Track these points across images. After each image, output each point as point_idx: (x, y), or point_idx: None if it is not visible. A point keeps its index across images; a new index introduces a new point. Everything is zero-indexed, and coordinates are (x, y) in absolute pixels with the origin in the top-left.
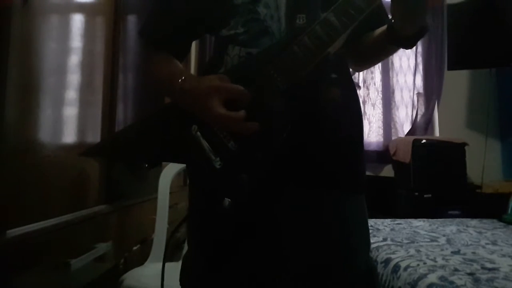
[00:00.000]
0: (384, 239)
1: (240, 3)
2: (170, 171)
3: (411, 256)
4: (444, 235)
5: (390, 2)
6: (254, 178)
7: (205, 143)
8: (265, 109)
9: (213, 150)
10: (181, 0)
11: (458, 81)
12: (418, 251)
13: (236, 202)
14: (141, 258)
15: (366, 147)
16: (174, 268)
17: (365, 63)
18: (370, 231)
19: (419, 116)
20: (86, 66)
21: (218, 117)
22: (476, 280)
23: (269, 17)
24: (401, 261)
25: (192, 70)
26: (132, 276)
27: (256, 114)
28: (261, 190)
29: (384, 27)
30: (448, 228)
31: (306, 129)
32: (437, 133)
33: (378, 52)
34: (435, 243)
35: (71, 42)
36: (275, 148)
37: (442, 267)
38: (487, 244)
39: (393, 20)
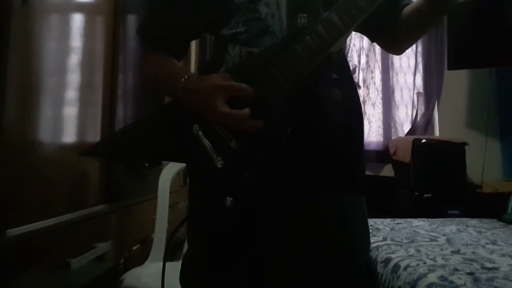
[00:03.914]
0: (384, 239)
1: (240, 2)
2: (170, 170)
3: (411, 255)
4: (444, 235)
5: None
6: (256, 177)
7: (206, 142)
8: (267, 109)
9: (214, 149)
10: None
11: (458, 81)
12: (418, 250)
13: (238, 201)
14: (141, 258)
15: (366, 147)
16: (174, 268)
17: (410, 40)
18: (370, 230)
19: (419, 116)
20: (86, 66)
21: (222, 115)
22: (476, 280)
23: (270, 16)
24: (401, 260)
25: (192, 70)
26: (132, 276)
27: (258, 114)
28: (263, 189)
29: None
30: (448, 227)
31: (307, 129)
32: (437, 133)
33: (424, 22)
34: (435, 243)
35: (71, 42)
36: (277, 147)
37: (442, 266)
38: (487, 243)
39: None
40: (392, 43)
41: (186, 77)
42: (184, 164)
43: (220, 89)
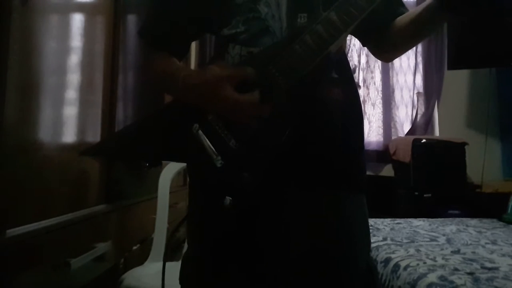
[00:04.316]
0: (384, 239)
1: (241, 2)
2: (170, 170)
3: (411, 255)
4: (444, 235)
5: None
6: (255, 177)
7: (206, 142)
8: None
9: (214, 149)
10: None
11: (458, 81)
12: (418, 250)
13: (237, 200)
14: (141, 258)
15: (366, 147)
16: (174, 268)
17: (399, 50)
18: (370, 230)
19: (419, 116)
20: (86, 66)
21: (237, 103)
22: (476, 280)
23: (270, 16)
24: (401, 260)
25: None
26: (132, 275)
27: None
28: (262, 189)
29: (426, 3)
30: (448, 227)
31: (307, 129)
32: (437, 133)
33: (417, 33)
34: (435, 243)
35: (71, 42)
36: (277, 147)
37: (442, 266)
38: (486, 243)
39: None
40: (381, 49)
41: (183, 75)
42: (184, 164)
43: (224, 78)
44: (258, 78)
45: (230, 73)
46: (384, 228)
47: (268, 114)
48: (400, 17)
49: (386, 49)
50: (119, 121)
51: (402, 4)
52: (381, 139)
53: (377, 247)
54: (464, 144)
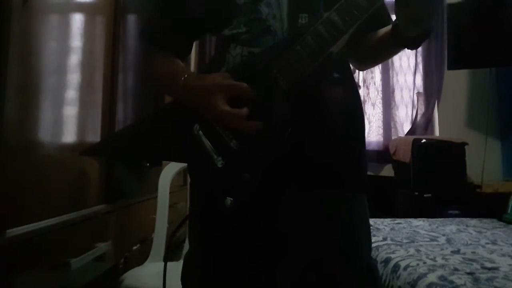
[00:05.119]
0: (384, 239)
1: (242, 3)
2: (170, 170)
3: (411, 255)
4: (444, 235)
5: (394, 3)
6: (256, 177)
7: (207, 142)
8: (267, 109)
9: (215, 149)
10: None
11: (458, 81)
12: (418, 250)
13: (238, 201)
14: (141, 258)
15: (366, 147)
16: (175, 268)
17: (369, 63)
18: (370, 230)
19: (419, 116)
20: (86, 66)
21: (221, 114)
22: (476, 280)
23: (271, 17)
24: (401, 260)
25: (192, 70)
26: (132, 275)
27: (258, 114)
28: (263, 189)
29: (389, 27)
30: (448, 227)
31: (308, 129)
32: (437, 133)
33: (383, 52)
34: (435, 243)
35: (71, 42)
36: (277, 147)
37: (442, 266)
38: (486, 243)
39: (398, 21)
40: (354, 56)
41: (185, 76)
42: (184, 164)
43: (220, 88)
44: (256, 96)
45: (226, 84)
46: (384, 228)
47: (254, 132)
48: (380, 30)
49: (357, 56)
50: (119, 121)
51: (388, 16)
52: (381, 139)
53: (377, 247)
54: (464, 144)
